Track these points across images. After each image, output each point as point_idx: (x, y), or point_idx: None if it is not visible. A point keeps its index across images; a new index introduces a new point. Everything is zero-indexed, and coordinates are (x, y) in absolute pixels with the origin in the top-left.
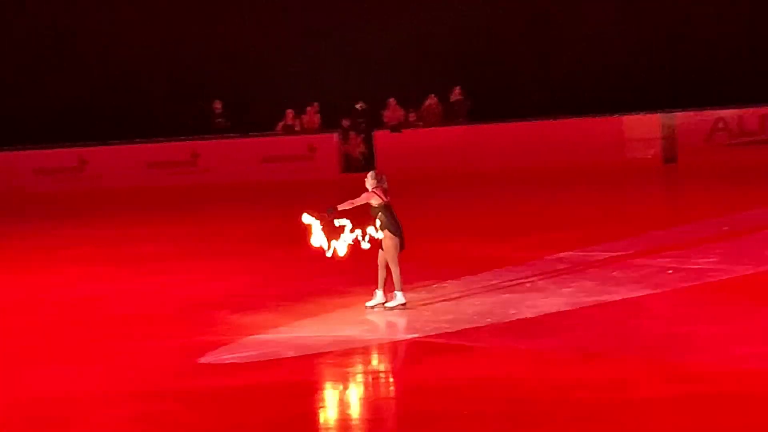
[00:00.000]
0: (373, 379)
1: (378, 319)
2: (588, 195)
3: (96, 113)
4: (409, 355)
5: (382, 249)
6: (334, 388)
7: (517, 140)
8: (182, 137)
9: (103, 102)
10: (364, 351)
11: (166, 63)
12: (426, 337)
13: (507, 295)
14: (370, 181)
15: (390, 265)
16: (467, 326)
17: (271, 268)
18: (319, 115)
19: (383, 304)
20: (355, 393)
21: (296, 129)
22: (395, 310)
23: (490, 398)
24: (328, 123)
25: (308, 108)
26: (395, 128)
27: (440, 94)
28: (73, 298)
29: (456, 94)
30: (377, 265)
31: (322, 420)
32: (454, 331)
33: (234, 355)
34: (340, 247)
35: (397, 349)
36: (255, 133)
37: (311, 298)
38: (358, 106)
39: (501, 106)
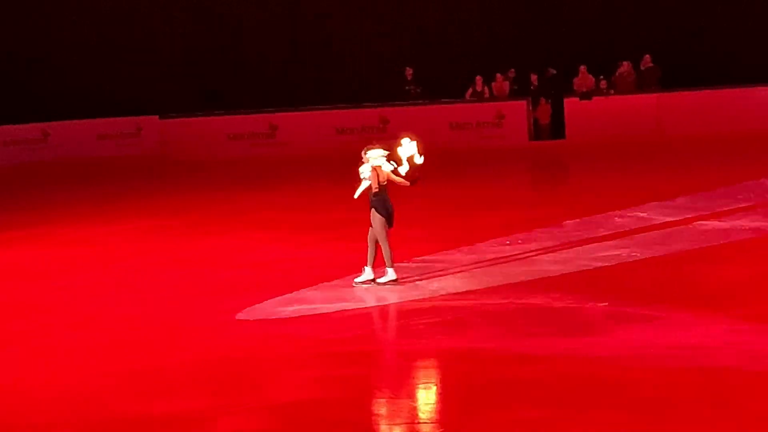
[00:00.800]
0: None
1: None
2: None
3: (287, 79)
4: (598, 324)
5: (372, 227)
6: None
7: (708, 108)
8: (371, 103)
9: (295, 68)
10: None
11: (359, 30)
12: (618, 306)
13: (695, 264)
14: (366, 157)
15: (379, 243)
16: (654, 299)
17: (452, 235)
18: (508, 83)
19: (374, 280)
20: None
21: (485, 96)
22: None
23: (683, 368)
24: (519, 90)
25: (498, 75)
26: (585, 95)
27: (631, 61)
28: (253, 261)
29: (646, 61)
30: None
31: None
32: (643, 300)
33: (423, 321)
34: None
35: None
36: (443, 100)
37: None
38: (548, 72)
39: (692, 74)
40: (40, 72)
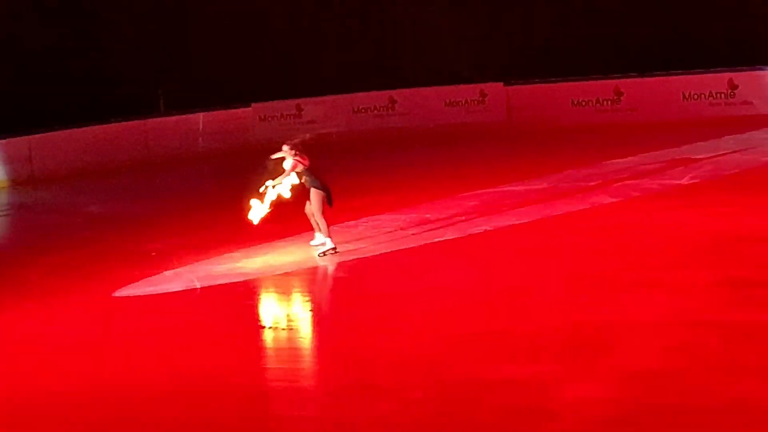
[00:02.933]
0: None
1: None
2: None
3: (632, 43)
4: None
5: (310, 202)
6: None
7: None
8: (720, 68)
9: (642, 33)
10: None
11: None
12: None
13: None
14: (287, 152)
15: (316, 217)
16: None
17: None
18: None
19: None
20: None
21: None
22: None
23: None
24: None
25: None
26: None
27: None
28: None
29: None
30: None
31: None
32: None
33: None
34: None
35: None
36: None
37: None
38: None
39: None
40: (389, 42)
